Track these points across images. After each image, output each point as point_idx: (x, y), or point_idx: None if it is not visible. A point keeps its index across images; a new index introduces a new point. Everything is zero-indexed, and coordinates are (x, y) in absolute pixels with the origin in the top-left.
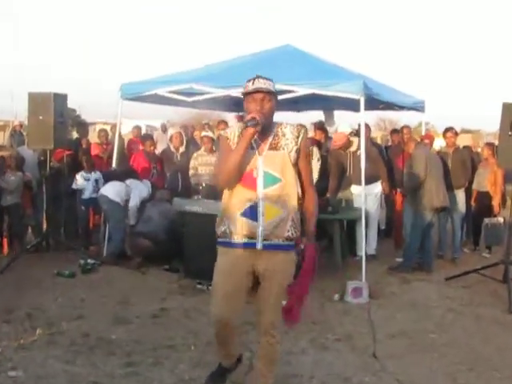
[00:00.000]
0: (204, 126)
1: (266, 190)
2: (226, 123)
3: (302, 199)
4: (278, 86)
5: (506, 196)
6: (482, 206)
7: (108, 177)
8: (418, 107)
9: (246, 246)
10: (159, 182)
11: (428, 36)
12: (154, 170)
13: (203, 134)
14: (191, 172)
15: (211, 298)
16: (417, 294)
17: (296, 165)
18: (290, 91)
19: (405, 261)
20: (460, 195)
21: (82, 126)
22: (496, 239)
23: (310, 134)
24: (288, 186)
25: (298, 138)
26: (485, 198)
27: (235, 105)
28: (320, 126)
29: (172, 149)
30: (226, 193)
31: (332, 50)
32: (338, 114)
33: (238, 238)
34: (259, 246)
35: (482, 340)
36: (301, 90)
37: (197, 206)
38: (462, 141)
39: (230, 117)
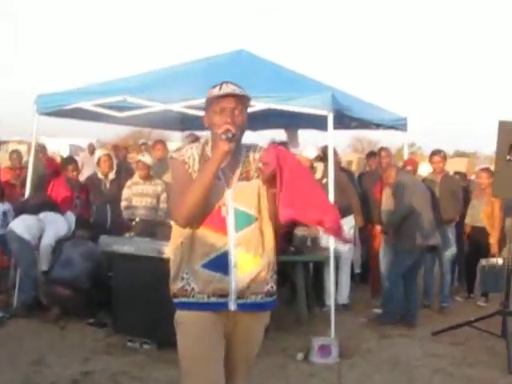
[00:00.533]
0: (140, 147)
1: (239, 233)
2: (163, 143)
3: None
4: None
5: (504, 232)
6: (476, 244)
7: (19, 209)
8: (399, 125)
9: (214, 307)
10: (83, 216)
11: (412, 41)
12: (76, 201)
13: (139, 157)
14: (123, 204)
15: None
16: (398, 351)
17: None
18: None
19: (386, 312)
20: (450, 231)
21: None
22: (494, 285)
23: None
24: (265, 225)
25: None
26: (480, 234)
27: (179, 122)
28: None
29: (100, 175)
30: (181, 234)
31: (298, 59)
32: (304, 134)
33: (204, 296)
34: (232, 306)
35: None
36: (257, 105)
37: (128, 245)
38: (456, 166)
39: (175, 136)
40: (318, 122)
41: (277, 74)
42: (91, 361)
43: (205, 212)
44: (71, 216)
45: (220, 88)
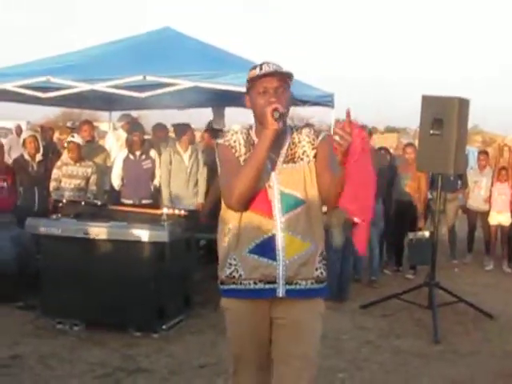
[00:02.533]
0: (67, 128)
1: (285, 216)
2: (90, 124)
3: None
4: (155, 79)
5: (430, 205)
6: (403, 218)
7: None
8: (326, 102)
9: (262, 293)
10: (10, 200)
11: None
12: (3, 184)
13: (69, 139)
14: (53, 184)
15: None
16: (327, 324)
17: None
18: (169, 84)
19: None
20: (376, 206)
21: None
22: (421, 257)
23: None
24: (313, 209)
25: (314, 140)
26: (407, 208)
27: (105, 102)
28: (208, 128)
29: (26, 156)
30: (228, 220)
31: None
32: (230, 112)
33: (250, 282)
34: (280, 292)
35: (403, 378)
36: (182, 83)
37: (54, 227)
38: (386, 141)
39: (105, 116)
40: (244, 100)
41: (202, 52)
42: (20, 344)
43: (255, 192)
44: None
45: (260, 68)
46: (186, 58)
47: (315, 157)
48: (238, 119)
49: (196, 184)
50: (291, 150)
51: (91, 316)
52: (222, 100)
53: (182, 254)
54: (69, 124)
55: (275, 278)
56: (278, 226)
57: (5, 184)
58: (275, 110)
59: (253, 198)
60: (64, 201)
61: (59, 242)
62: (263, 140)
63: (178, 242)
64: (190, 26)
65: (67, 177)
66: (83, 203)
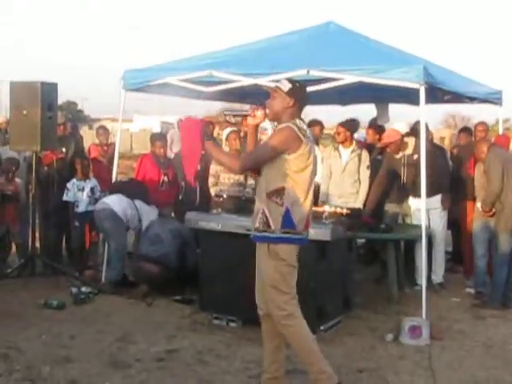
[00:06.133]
0: (224, 122)
1: None
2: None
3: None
4: (319, 73)
5: None
6: None
7: (115, 188)
8: (494, 99)
9: None
10: (171, 194)
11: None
12: (164, 178)
13: (228, 129)
14: (211, 180)
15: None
16: (492, 333)
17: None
18: (333, 79)
19: (490, 297)
20: None
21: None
22: None
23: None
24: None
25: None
26: None
27: (267, 97)
28: (373, 124)
29: None
30: None
31: (383, 30)
32: (394, 109)
33: None
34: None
35: None
36: (347, 78)
37: (214, 222)
38: None
39: None
40: (409, 96)
41: (366, 47)
42: (177, 338)
43: None
44: (155, 209)
45: None
46: (350, 53)
47: None
48: (400, 117)
49: (355, 182)
50: None
51: (248, 313)
52: (385, 96)
53: (343, 254)
54: (228, 117)
55: None
56: None
57: (165, 178)
58: None
59: None
60: (224, 196)
61: (219, 237)
62: None
63: (340, 241)
64: (352, 21)
65: (225, 172)
66: (244, 198)
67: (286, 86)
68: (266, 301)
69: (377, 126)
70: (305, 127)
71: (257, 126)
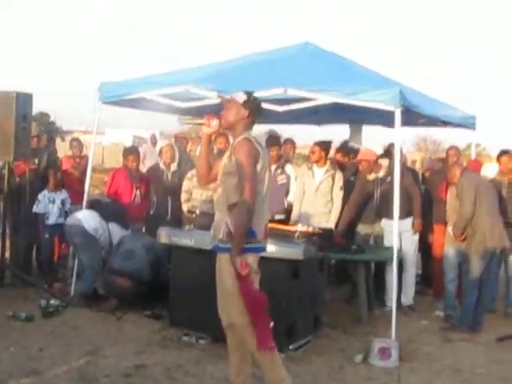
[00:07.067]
0: (197, 138)
1: None
2: (226, 137)
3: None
4: (295, 93)
5: None
6: None
7: (90, 205)
8: (467, 124)
9: None
10: (142, 209)
11: (482, 38)
12: (136, 192)
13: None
14: (184, 196)
15: None
16: (460, 357)
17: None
18: (308, 99)
19: (459, 320)
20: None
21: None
22: None
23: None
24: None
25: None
26: None
27: None
28: (342, 148)
29: (162, 165)
30: None
31: (357, 52)
32: (368, 130)
33: None
34: None
35: None
36: (321, 98)
37: (187, 238)
38: None
39: None
40: (383, 118)
41: (342, 68)
42: (146, 353)
43: None
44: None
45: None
46: (326, 74)
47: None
48: (374, 138)
49: (328, 202)
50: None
51: (218, 330)
52: (361, 117)
53: (314, 273)
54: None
55: None
56: None
57: (138, 192)
58: None
59: None
60: (197, 212)
61: (191, 253)
62: None
63: (312, 260)
64: (328, 41)
65: (198, 188)
66: None
67: (242, 98)
68: (227, 311)
69: (346, 150)
70: (257, 137)
71: (211, 136)
